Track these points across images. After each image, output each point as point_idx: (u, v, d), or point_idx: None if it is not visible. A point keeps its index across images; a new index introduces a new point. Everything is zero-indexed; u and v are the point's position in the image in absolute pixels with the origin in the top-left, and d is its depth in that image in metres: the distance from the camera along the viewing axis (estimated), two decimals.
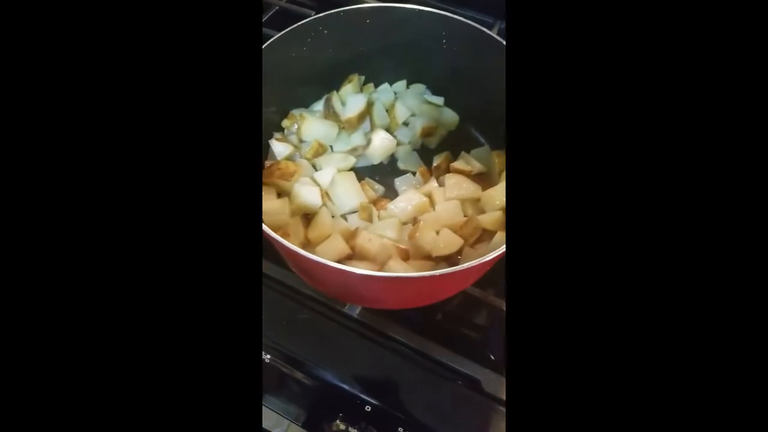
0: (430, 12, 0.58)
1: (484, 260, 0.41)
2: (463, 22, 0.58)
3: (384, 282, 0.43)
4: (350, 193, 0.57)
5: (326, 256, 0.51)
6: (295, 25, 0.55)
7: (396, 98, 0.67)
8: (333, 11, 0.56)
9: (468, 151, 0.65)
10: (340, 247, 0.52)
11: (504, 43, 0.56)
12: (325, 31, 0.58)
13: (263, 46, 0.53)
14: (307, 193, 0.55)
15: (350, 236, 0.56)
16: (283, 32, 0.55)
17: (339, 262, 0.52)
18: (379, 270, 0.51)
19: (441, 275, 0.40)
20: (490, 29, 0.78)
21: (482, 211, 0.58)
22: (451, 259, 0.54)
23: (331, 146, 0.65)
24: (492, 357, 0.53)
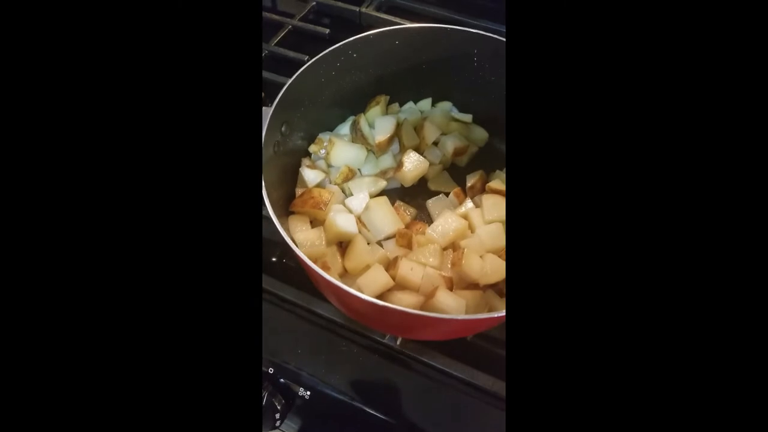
0: (461, 30, 0.56)
1: None
2: (494, 38, 0.57)
3: (434, 321, 0.41)
4: (386, 219, 0.55)
5: (369, 289, 0.49)
6: (326, 51, 0.54)
7: (424, 117, 0.66)
8: (363, 35, 0.55)
9: (500, 169, 0.64)
10: (383, 279, 0.49)
11: None
12: (355, 55, 0.56)
13: (295, 75, 0.51)
14: (343, 222, 0.53)
15: (389, 265, 0.53)
16: (314, 59, 0.53)
17: (381, 294, 0.50)
18: (425, 301, 0.49)
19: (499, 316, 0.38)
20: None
21: None
22: (497, 286, 0.52)
23: (359, 169, 0.63)
24: None
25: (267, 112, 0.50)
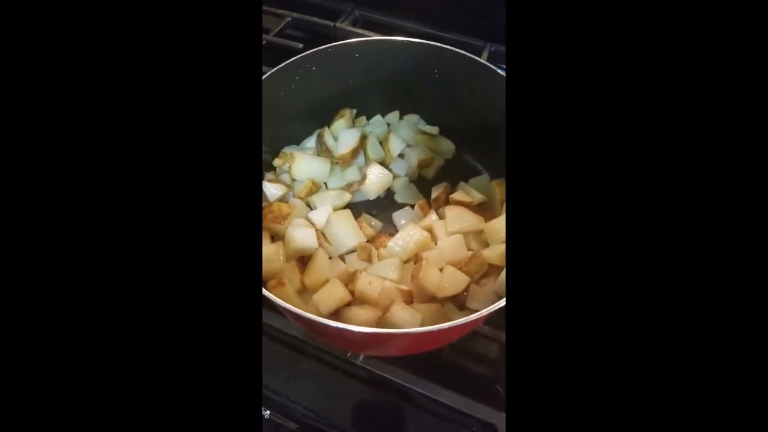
0: (420, 43, 0.57)
1: (492, 310, 0.38)
2: (454, 51, 0.57)
3: (387, 336, 0.40)
4: (348, 233, 0.54)
5: (325, 304, 0.48)
6: (284, 64, 0.54)
7: (390, 130, 0.66)
8: (321, 48, 0.55)
9: (466, 181, 0.64)
10: (340, 294, 0.48)
11: (496, 69, 0.56)
12: (314, 68, 0.57)
13: None
14: (302, 237, 0.53)
15: (349, 279, 0.53)
16: (271, 71, 0.53)
17: (338, 309, 0.50)
18: (382, 315, 0.48)
19: (449, 328, 0.37)
20: (480, 53, 0.79)
21: (486, 245, 0.56)
22: (457, 299, 0.51)
23: (325, 183, 0.63)
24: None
25: None
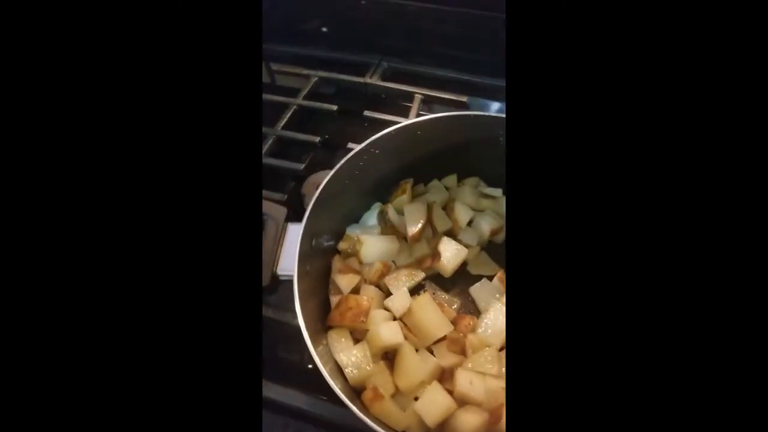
0: (486, 116, 0.55)
1: None
2: None
3: None
4: (434, 322, 0.51)
5: (431, 415, 0.44)
6: (350, 155, 0.52)
7: (451, 197, 0.63)
8: (385, 132, 0.53)
9: None
10: (445, 403, 0.44)
11: None
12: (377, 151, 0.54)
13: (321, 186, 0.49)
14: (388, 333, 0.49)
15: (444, 376, 0.49)
16: (340, 164, 0.51)
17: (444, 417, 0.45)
18: (493, 422, 0.44)
19: None
20: None
21: None
22: None
23: (393, 261, 0.59)
24: None
25: (296, 231, 0.47)
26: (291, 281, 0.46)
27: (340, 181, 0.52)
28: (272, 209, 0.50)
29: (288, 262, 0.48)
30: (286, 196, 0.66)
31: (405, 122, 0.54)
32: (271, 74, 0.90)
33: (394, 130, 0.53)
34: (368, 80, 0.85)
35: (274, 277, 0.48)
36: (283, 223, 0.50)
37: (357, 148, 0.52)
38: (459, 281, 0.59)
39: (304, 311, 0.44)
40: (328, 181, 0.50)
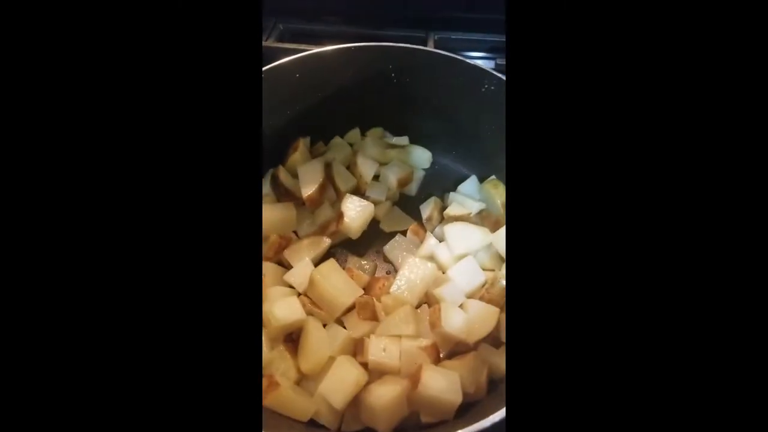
0: (367, 47, 0.48)
1: None
2: (407, 47, 0.49)
3: None
4: (340, 289, 0.44)
5: (338, 396, 0.37)
6: None
7: (355, 151, 0.56)
8: (266, 68, 0.45)
9: (455, 189, 0.56)
10: (353, 375, 0.38)
11: (458, 58, 0.49)
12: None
13: None
14: (285, 310, 0.41)
15: (356, 349, 0.42)
16: None
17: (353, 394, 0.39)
18: (412, 388, 0.38)
19: None
20: (425, 43, 0.72)
21: (501, 259, 0.48)
22: (491, 335, 0.43)
23: (294, 232, 0.52)
24: None
25: None
26: None
27: None
28: None
29: None
30: None
31: (282, 60, 0.46)
32: None
33: (265, 70, 0.45)
34: (264, 43, 0.75)
35: None
36: None
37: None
38: (373, 242, 0.53)
39: None
40: None
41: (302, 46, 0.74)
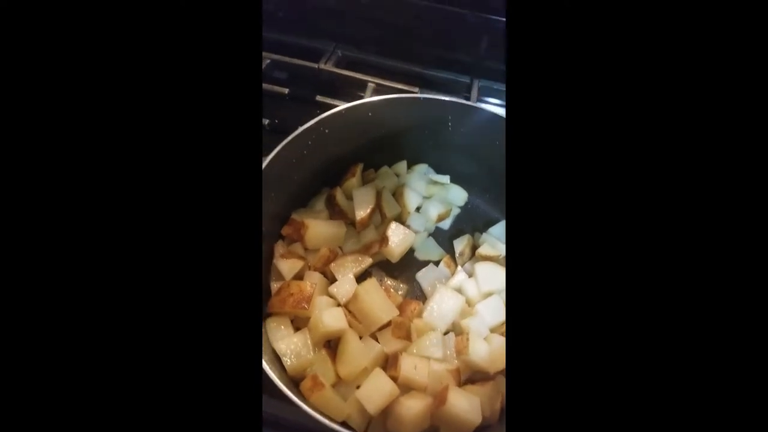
0: (434, 99, 0.54)
1: None
2: (466, 105, 0.56)
3: None
4: (379, 308, 0.49)
5: (373, 403, 0.42)
6: (299, 131, 0.49)
7: (401, 183, 0.62)
8: (336, 110, 0.51)
9: (486, 230, 0.62)
10: (387, 388, 0.43)
11: (500, 115, 0.55)
12: (327, 131, 0.52)
13: (264, 164, 0.46)
14: (331, 319, 0.47)
15: (387, 362, 0.47)
16: (287, 141, 0.48)
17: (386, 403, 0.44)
18: (437, 405, 0.43)
19: None
20: (469, 89, 0.79)
21: None
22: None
23: (340, 247, 0.57)
24: None
25: None
26: None
27: (286, 161, 0.49)
28: None
29: None
30: None
31: (356, 102, 0.53)
32: None
33: (345, 109, 0.51)
34: (322, 66, 0.82)
35: None
36: None
37: (305, 125, 0.49)
38: (406, 267, 0.58)
39: None
40: (272, 160, 0.47)
41: (357, 75, 0.81)
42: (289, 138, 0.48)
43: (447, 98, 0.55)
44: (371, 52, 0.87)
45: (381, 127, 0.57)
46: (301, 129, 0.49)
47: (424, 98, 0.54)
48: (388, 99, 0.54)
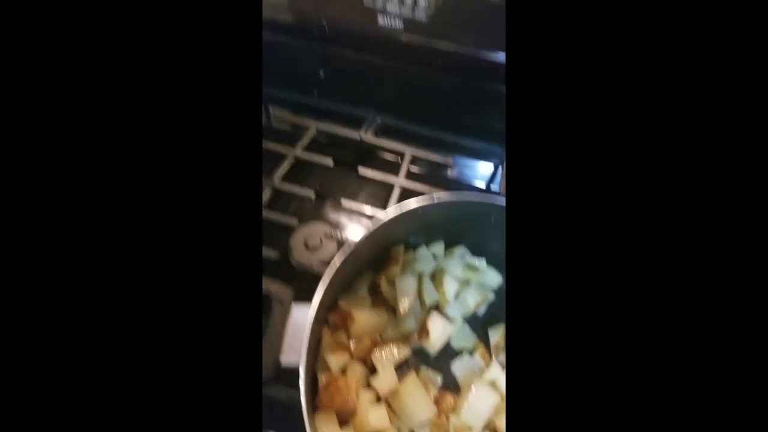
0: (487, 204, 0.57)
1: None
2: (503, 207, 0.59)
3: None
4: (419, 406, 0.51)
5: None
6: (372, 231, 0.53)
7: (439, 267, 0.65)
8: (409, 210, 0.55)
9: None
10: None
11: None
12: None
13: (337, 266, 0.49)
14: (376, 419, 0.49)
15: None
16: (358, 242, 0.52)
17: None
18: None
19: None
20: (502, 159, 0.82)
21: None
22: None
23: (380, 335, 0.59)
24: None
25: (301, 313, 0.46)
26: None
27: (353, 256, 0.52)
28: (277, 289, 0.48)
29: (291, 348, 0.46)
30: (277, 253, 0.65)
31: (415, 205, 0.55)
32: (270, 117, 0.89)
33: (410, 211, 0.55)
34: (363, 135, 0.86)
35: (278, 366, 0.46)
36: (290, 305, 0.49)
37: (378, 222, 0.53)
38: (440, 354, 0.60)
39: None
40: (346, 259, 0.50)
41: (395, 144, 0.85)
42: (362, 238, 0.52)
43: (497, 204, 0.57)
44: (407, 119, 0.90)
45: (427, 223, 0.60)
46: (374, 228, 0.53)
47: (478, 203, 0.57)
48: (439, 203, 0.56)
